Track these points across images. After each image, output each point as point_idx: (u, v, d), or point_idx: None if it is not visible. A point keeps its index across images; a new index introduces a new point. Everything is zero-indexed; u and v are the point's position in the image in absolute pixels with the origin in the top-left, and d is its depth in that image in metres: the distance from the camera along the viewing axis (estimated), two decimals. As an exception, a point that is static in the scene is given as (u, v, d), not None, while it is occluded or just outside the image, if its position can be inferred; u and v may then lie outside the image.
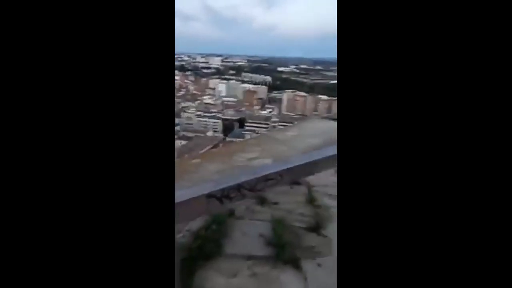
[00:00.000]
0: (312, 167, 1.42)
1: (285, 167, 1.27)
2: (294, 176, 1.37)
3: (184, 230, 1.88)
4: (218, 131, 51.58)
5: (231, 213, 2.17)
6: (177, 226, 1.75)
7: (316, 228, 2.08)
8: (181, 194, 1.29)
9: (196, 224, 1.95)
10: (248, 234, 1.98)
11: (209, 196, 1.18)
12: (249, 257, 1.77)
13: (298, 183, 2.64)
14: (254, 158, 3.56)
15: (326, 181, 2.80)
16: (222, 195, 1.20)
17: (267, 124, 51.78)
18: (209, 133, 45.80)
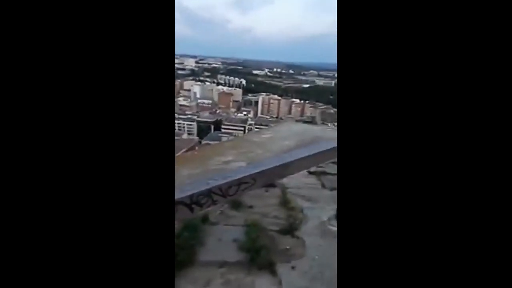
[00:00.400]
0: (285, 169, 1.42)
1: (258, 170, 1.26)
2: (268, 179, 1.37)
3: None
4: (194, 134, 50.35)
5: (205, 219, 2.11)
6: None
7: (290, 230, 2.10)
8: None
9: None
10: (222, 239, 1.93)
11: (177, 203, 1.11)
12: (223, 264, 1.73)
13: (273, 186, 2.65)
14: (230, 161, 3.51)
15: (299, 182, 2.85)
16: (192, 202, 1.14)
17: (244, 126, 51.77)
18: (184, 136, 44.49)
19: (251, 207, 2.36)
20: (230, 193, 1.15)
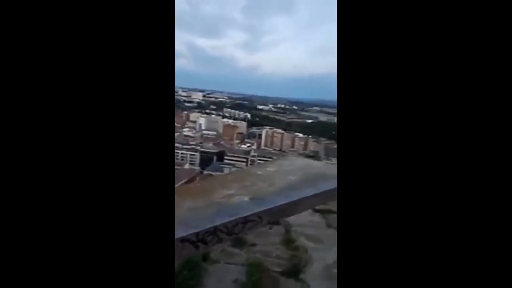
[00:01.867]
0: (292, 207, 1.41)
1: (264, 208, 1.25)
2: (274, 217, 1.35)
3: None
4: (196, 164, 50.34)
5: (205, 256, 2.02)
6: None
7: (294, 272, 1.98)
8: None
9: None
10: (223, 280, 1.83)
11: (183, 240, 1.09)
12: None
13: (277, 223, 2.57)
14: (233, 195, 3.46)
15: (304, 220, 2.77)
16: (198, 239, 1.12)
17: (246, 158, 51.87)
18: (186, 166, 44.47)
19: (253, 245, 2.28)
20: (236, 231, 1.13)
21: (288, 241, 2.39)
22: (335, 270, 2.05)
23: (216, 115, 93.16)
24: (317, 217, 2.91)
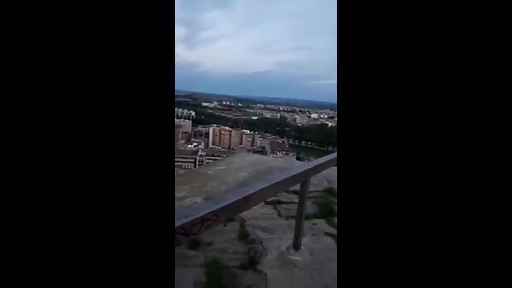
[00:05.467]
0: (247, 202, 1.47)
1: (220, 206, 1.28)
2: (230, 213, 1.39)
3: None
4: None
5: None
6: None
7: (251, 264, 2.07)
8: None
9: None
10: (182, 282, 1.78)
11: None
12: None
13: (232, 219, 2.62)
14: (185, 197, 3.34)
15: (256, 213, 2.89)
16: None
17: (194, 158, 50.12)
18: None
19: (210, 244, 2.27)
20: (193, 231, 1.13)
21: (244, 235, 2.46)
22: (289, 256, 2.23)
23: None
24: (268, 209, 3.07)
